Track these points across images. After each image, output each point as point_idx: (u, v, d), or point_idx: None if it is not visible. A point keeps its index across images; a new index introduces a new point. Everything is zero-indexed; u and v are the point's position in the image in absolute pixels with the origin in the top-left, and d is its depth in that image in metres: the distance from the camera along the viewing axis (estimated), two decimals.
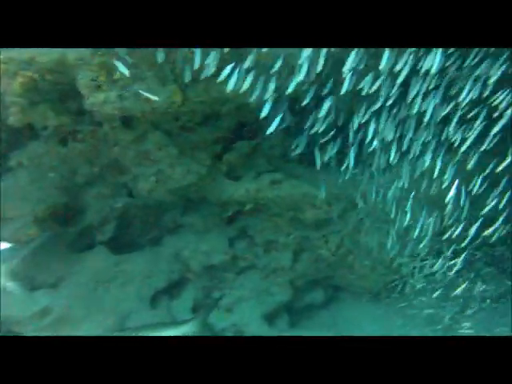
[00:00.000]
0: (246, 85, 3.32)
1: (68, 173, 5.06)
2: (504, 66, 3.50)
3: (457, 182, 3.89)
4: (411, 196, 4.37)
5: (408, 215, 4.40)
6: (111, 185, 5.26)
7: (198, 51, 3.31)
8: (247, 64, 3.31)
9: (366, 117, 3.78)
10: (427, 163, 3.93)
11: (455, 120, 3.73)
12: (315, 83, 3.46)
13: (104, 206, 5.32)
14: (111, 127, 4.66)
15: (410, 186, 4.28)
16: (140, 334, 4.10)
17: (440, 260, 4.85)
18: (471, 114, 3.71)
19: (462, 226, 4.32)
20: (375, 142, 3.86)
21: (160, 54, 3.46)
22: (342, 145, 4.04)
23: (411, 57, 3.33)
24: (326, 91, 3.50)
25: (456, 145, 3.83)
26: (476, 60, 3.51)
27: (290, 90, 3.29)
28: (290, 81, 3.29)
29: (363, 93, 3.46)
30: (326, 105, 3.44)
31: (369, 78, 3.41)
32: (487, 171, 3.93)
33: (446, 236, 4.47)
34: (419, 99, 3.61)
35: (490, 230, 4.28)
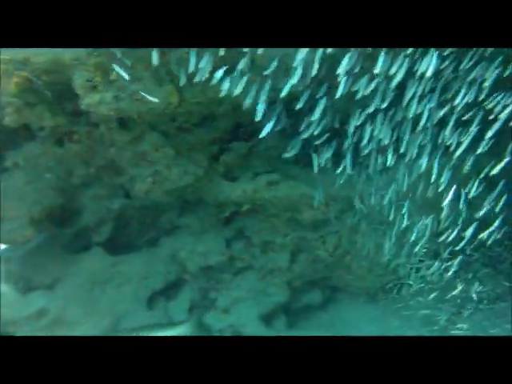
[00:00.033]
0: (240, 88, 3.30)
1: (64, 174, 5.04)
2: (499, 69, 3.50)
3: (454, 186, 3.90)
4: (408, 198, 4.37)
5: (405, 217, 4.40)
6: (108, 186, 5.25)
7: (193, 53, 3.30)
8: (241, 66, 3.30)
9: (362, 119, 3.78)
10: (424, 165, 3.93)
11: (451, 123, 3.73)
12: (311, 85, 3.45)
13: (100, 206, 5.31)
14: (108, 128, 4.64)
15: (407, 187, 4.28)
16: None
17: (437, 261, 4.84)
18: (467, 117, 3.71)
19: (458, 227, 4.31)
20: (371, 145, 3.87)
21: (155, 56, 3.44)
22: (338, 147, 4.04)
23: (407, 59, 3.32)
24: (320, 93, 3.49)
25: (452, 147, 3.82)
26: (471, 63, 3.51)
27: (284, 92, 3.28)
28: (285, 83, 3.28)
29: (358, 95, 3.45)
30: (320, 107, 3.43)
31: (364, 80, 3.40)
32: (483, 173, 3.92)
33: (443, 237, 4.46)
34: (415, 102, 3.60)
35: (487, 232, 4.27)
